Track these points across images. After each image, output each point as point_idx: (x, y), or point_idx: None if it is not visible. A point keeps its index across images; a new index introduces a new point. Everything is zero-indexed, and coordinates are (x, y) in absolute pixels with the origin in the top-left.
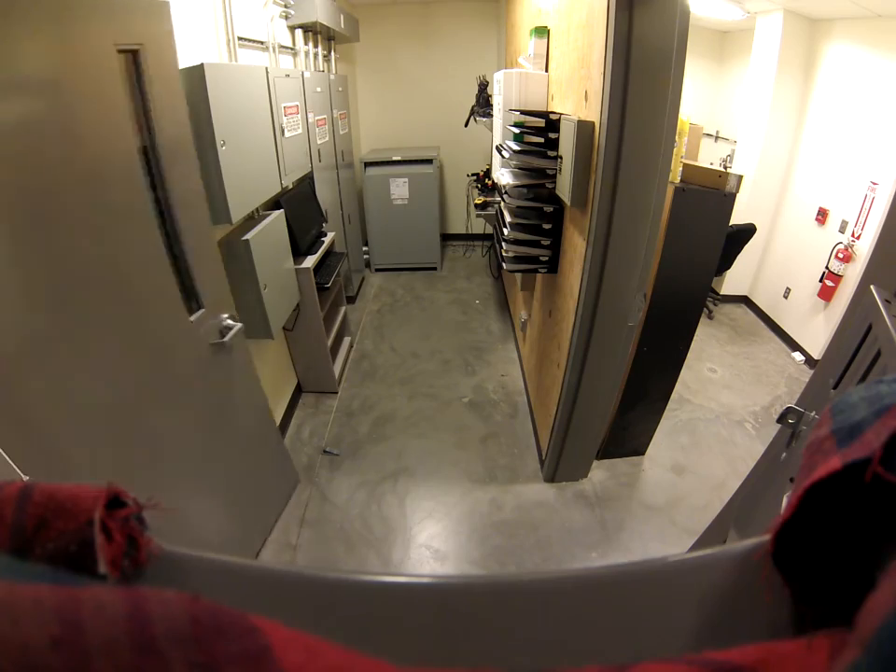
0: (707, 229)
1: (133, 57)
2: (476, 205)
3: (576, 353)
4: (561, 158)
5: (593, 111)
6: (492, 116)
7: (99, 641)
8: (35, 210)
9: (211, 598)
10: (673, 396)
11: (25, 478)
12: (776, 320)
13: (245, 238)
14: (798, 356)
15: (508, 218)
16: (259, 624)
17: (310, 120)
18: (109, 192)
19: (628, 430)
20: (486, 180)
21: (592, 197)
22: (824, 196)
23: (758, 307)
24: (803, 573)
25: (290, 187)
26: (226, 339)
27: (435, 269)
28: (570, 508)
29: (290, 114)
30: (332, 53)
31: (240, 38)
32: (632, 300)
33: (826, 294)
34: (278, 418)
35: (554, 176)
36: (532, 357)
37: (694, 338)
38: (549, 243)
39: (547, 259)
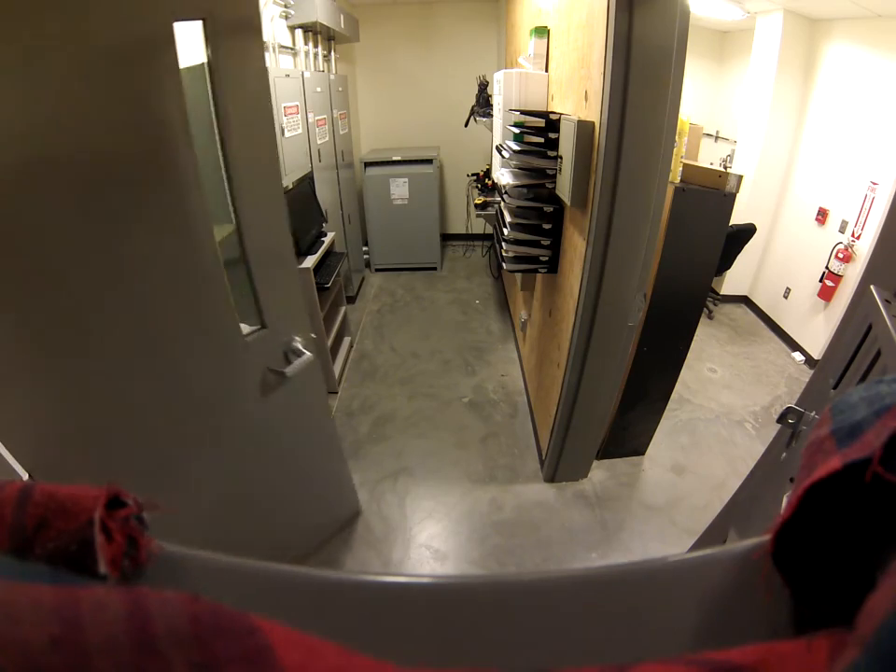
0: (707, 229)
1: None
2: (476, 205)
3: (576, 353)
4: (561, 158)
5: (593, 111)
6: (492, 116)
7: (99, 641)
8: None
9: (211, 598)
10: (673, 396)
11: (26, 477)
12: (776, 320)
13: None
14: (798, 356)
15: (508, 218)
16: (260, 624)
17: (310, 120)
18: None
19: (628, 430)
20: (486, 180)
21: (592, 197)
22: (824, 196)
23: (758, 307)
24: (803, 573)
25: (290, 187)
26: (287, 370)
27: (435, 269)
28: (570, 508)
29: (290, 114)
30: (332, 53)
31: None
32: (632, 300)
33: (826, 294)
34: None
35: (554, 176)
36: (532, 356)
37: (694, 338)
38: (549, 243)
39: (547, 259)
